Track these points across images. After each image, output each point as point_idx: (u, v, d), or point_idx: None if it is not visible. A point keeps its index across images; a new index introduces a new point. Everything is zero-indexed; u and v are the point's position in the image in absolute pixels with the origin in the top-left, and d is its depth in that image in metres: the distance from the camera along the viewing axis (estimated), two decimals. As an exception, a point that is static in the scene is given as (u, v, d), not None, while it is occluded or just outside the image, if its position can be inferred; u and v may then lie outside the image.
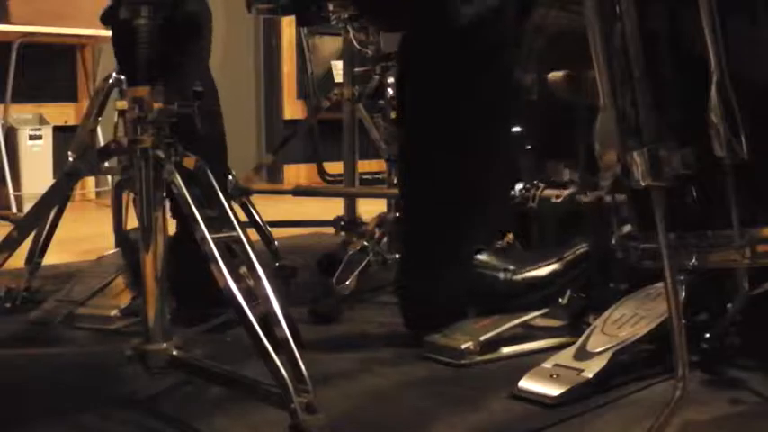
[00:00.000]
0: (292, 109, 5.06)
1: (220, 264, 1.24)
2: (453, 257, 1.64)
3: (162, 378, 1.36)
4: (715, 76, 1.11)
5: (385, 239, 2.01)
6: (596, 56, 1.18)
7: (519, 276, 1.67)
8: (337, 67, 4.82)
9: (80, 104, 4.28)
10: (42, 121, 4.06)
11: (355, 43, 2.29)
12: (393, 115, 2.19)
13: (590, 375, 1.33)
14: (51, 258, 2.08)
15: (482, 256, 1.66)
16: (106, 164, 1.46)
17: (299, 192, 2.67)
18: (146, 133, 1.30)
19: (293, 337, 1.23)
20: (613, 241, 1.35)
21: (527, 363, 1.43)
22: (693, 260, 1.18)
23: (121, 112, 1.34)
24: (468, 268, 1.65)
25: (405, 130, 1.73)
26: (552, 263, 1.69)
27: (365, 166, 2.59)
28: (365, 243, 1.94)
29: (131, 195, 1.96)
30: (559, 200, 1.79)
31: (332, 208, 2.50)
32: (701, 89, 1.11)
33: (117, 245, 2.10)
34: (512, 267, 1.67)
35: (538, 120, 2.03)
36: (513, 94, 1.80)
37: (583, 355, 1.38)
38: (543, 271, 1.67)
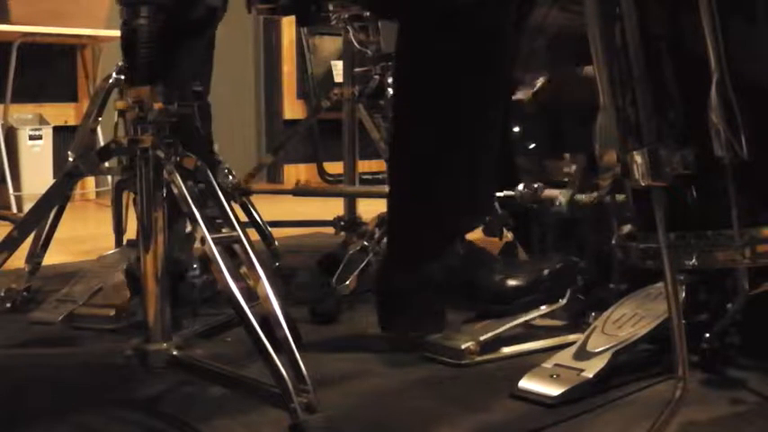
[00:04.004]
0: (292, 109, 5.06)
1: (220, 264, 1.24)
2: (433, 250, 1.63)
3: (162, 378, 1.36)
4: (715, 76, 1.11)
5: (385, 239, 2.01)
6: (596, 56, 1.18)
7: (502, 281, 1.66)
8: (337, 67, 4.83)
9: (80, 104, 4.28)
10: (42, 121, 4.06)
11: (355, 43, 2.29)
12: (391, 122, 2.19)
13: (590, 375, 1.33)
14: (51, 258, 2.08)
15: (464, 251, 1.65)
16: (106, 164, 1.46)
17: (299, 192, 2.67)
18: (146, 133, 1.30)
19: (293, 337, 1.23)
20: (613, 241, 1.35)
21: (527, 363, 1.43)
22: (693, 260, 1.18)
23: (121, 112, 1.34)
24: (450, 262, 1.64)
25: (395, 114, 1.73)
26: (531, 274, 1.68)
27: (365, 166, 2.59)
28: (365, 243, 1.94)
29: (131, 195, 1.97)
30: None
31: (332, 208, 2.50)
32: (701, 89, 1.11)
33: (117, 245, 2.10)
34: (497, 270, 1.66)
35: (538, 120, 2.03)
36: (509, 82, 1.79)
37: (583, 355, 1.38)
38: (522, 281, 1.67)
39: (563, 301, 1.62)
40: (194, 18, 1.71)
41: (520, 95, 1.91)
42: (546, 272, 1.66)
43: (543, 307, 1.62)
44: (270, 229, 2.29)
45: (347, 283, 1.83)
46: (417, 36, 1.61)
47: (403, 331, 1.62)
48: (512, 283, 1.65)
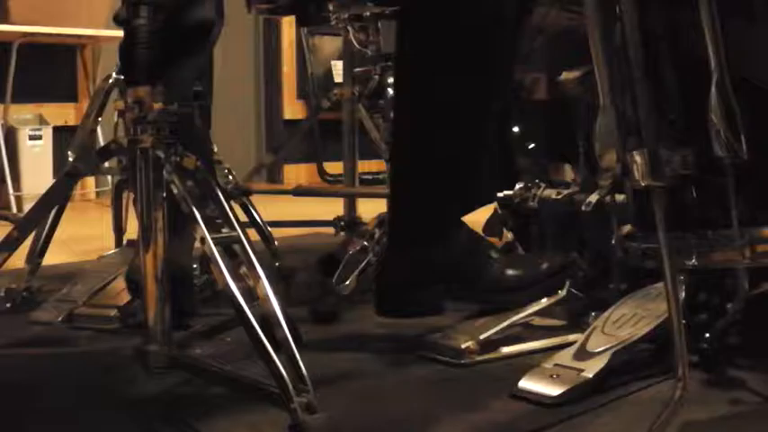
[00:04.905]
0: (292, 109, 5.06)
1: (220, 264, 1.24)
2: (433, 239, 1.63)
3: (162, 378, 1.37)
4: (715, 76, 1.11)
5: (385, 239, 2.01)
6: (596, 56, 1.18)
7: (502, 271, 1.66)
8: (337, 67, 4.82)
9: (80, 104, 4.28)
10: (42, 121, 4.07)
11: (355, 43, 2.29)
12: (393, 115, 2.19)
13: (590, 375, 1.33)
14: (51, 258, 2.08)
15: (465, 239, 1.65)
16: (106, 164, 1.46)
17: (299, 192, 2.66)
18: (146, 133, 1.30)
19: (293, 337, 1.23)
20: (613, 241, 1.35)
21: (527, 363, 1.43)
22: (693, 260, 1.18)
23: (121, 112, 1.34)
24: (449, 251, 1.63)
25: (397, 102, 1.73)
26: (531, 267, 1.68)
27: (365, 166, 2.59)
28: (365, 243, 1.94)
29: (131, 195, 1.97)
30: (560, 197, 1.79)
31: (332, 208, 2.50)
32: (701, 89, 1.11)
33: (117, 245, 2.10)
34: (497, 260, 1.67)
35: (538, 119, 2.03)
36: (509, 71, 1.79)
37: (583, 355, 1.38)
38: (522, 272, 1.67)
39: (562, 293, 1.62)
40: (191, 21, 1.71)
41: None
42: (545, 266, 1.67)
43: (543, 300, 1.62)
44: (270, 229, 2.29)
45: (347, 283, 1.83)
46: (418, 33, 1.62)
47: (401, 315, 1.62)
48: (511, 272, 1.65)
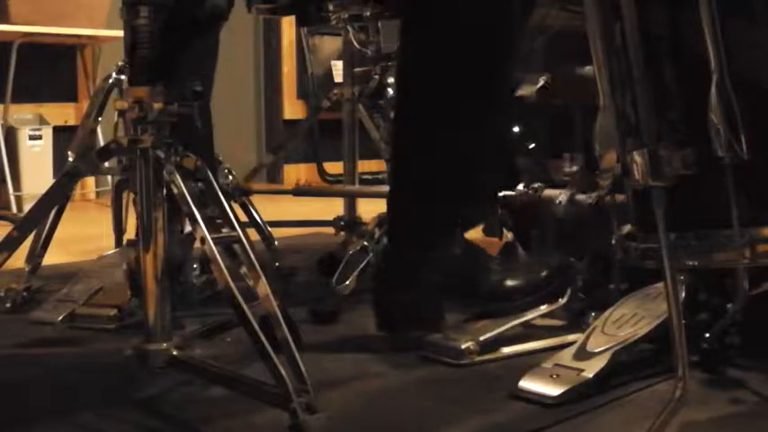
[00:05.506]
0: (292, 109, 5.06)
1: (220, 264, 1.24)
2: (432, 242, 1.63)
3: (162, 378, 1.37)
4: (715, 76, 1.11)
5: (385, 239, 2.01)
6: (596, 56, 1.18)
7: (500, 281, 1.66)
8: (337, 67, 4.82)
9: (80, 104, 4.28)
10: (42, 121, 4.07)
11: (355, 43, 2.29)
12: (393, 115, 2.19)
13: (590, 375, 1.33)
14: (51, 258, 2.08)
15: (463, 249, 1.65)
16: (106, 164, 1.46)
17: (299, 192, 2.67)
18: (146, 133, 1.31)
19: (293, 337, 1.23)
20: (613, 241, 1.35)
21: (527, 363, 1.43)
22: (693, 260, 1.18)
23: (121, 112, 1.34)
24: (447, 257, 1.63)
25: (397, 101, 1.73)
26: (529, 276, 1.68)
27: (365, 166, 2.59)
28: (365, 243, 1.94)
29: (131, 195, 1.97)
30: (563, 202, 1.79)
31: (332, 208, 2.50)
32: (701, 89, 1.11)
33: (117, 245, 2.10)
34: (495, 270, 1.67)
35: (538, 119, 2.03)
36: (510, 71, 1.79)
37: (583, 355, 1.38)
38: (520, 282, 1.67)
39: (563, 301, 1.63)
40: (199, 17, 1.72)
41: (522, 91, 1.90)
42: (544, 273, 1.67)
43: (543, 307, 1.62)
44: (270, 229, 2.29)
45: (347, 283, 1.83)
46: (419, 33, 1.62)
47: (401, 332, 1.62)
48: (510, 283, 1.65)
